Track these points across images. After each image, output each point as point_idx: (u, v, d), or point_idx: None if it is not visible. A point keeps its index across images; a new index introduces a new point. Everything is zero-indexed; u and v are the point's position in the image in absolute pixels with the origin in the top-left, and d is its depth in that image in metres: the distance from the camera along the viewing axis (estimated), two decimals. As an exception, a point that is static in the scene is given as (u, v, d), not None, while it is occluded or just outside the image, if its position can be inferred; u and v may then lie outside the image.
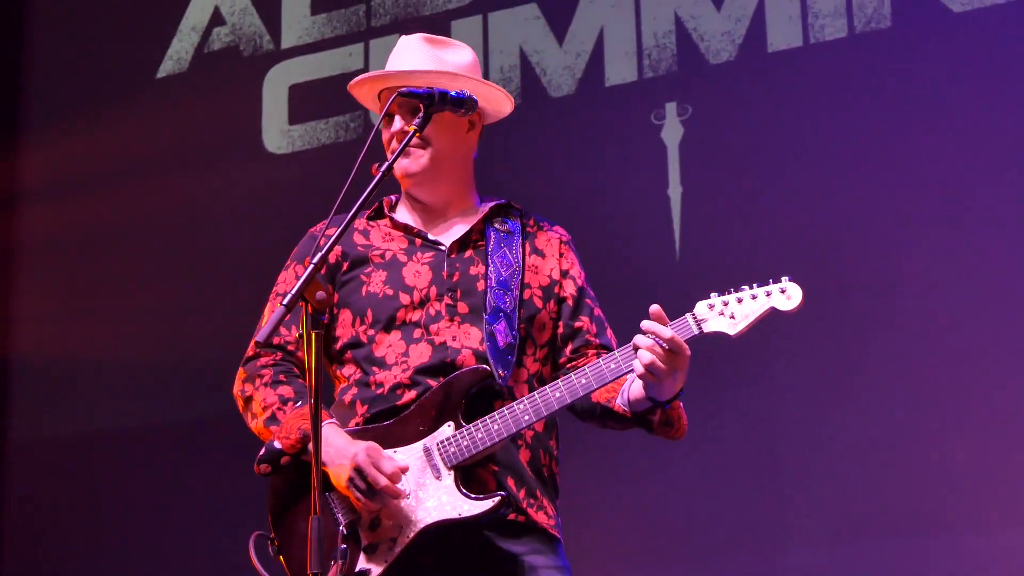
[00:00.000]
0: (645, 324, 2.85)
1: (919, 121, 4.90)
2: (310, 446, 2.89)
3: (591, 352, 3.10)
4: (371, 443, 2.92)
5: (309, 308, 2.64)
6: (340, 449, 2.92)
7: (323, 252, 2.72)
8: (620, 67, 5.44)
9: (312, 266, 2.67)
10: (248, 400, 3.11)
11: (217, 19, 6.33)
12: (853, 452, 4.76)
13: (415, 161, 3.12)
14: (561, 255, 3.18)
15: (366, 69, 5.94)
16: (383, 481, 2.86)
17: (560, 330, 3.13)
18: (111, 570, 5.99)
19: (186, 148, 6.24)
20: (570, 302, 3.14)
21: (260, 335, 2.73)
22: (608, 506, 5.01)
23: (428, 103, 2.97)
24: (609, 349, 3.09)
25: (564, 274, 3.16)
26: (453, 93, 2.99)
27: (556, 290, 3.14)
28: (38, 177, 6.55)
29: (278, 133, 6.09)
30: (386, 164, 2.91)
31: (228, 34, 6.30)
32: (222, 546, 5.79)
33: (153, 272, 6.19)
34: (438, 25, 5.65)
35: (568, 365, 3.10)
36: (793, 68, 5.14)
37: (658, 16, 5.41)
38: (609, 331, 3.18)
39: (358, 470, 2.86)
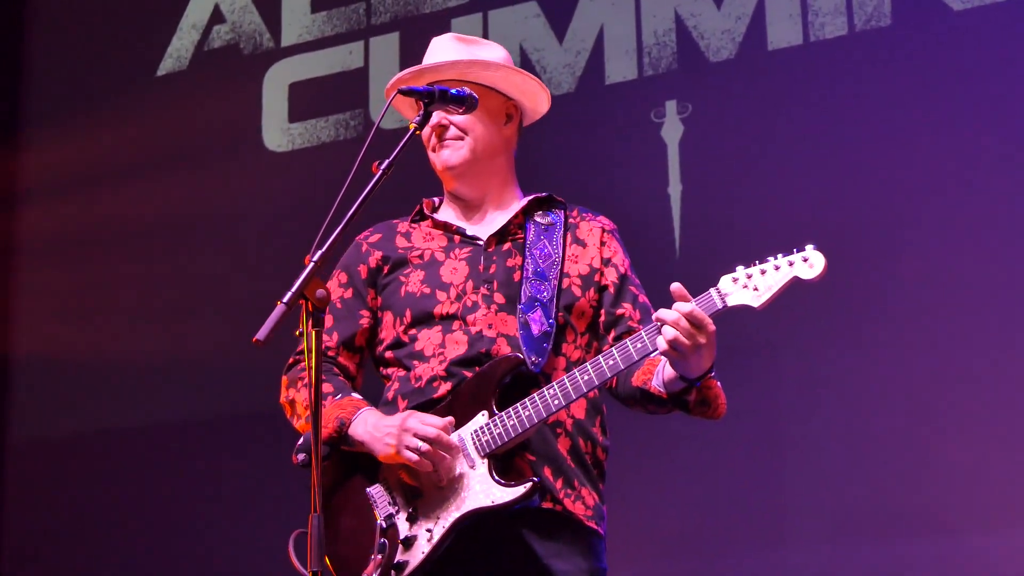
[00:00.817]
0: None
1: (919, 119, 4.89)
2: (350, 431, 2.98)
3: None
4: (413, 411, 2.95)
5: (309, 306, 2.65)
6: (377, 423, 2.95)
7: (323, 251, 2.72)
8: (620, 65, 5.44)
9: (312, 264, 2.68)
10: (292, 404, 3.14)
11: (217, 17, 6.33)
12: (854, 452, 4.75)
13: (455, 152, 3.16)
14: (603, 243, 3.17)
15: (366, 67, 5.94)
16: (433, 431, 2.89)
17: (602, 318, 3.12)
18: (110, 570, 5.99)
19: (186, 146, 6.24)
20: (611, 290, 3.13)
21: (259, 334, 2.70)
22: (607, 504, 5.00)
23: (428, 101, 2.98)
24: None
25: (606, 262, 3.15)
26: (453, 91, 2.99)
27: (596, 278, 3.13)
28: (38, 176, 6.55)
29: (278, 131, 6.09)
30: (387, 161, 2.91)
31: (228, 32, 6.30)
32: (221, 545, 5.80)
33: (153, 271, 6.19)
34: (438, 23, 5.64)
35: None
36: (793, 66, 5.13)
37: (658, 14, 5.40)
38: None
39: (405, 430, 2.90)
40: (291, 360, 3.19)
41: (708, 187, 5.18)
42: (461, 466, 2.93)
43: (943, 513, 4.62)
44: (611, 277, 3.14)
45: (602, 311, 3.12)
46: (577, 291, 3.10)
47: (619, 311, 3.12)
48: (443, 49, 3.23)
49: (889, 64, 4.98)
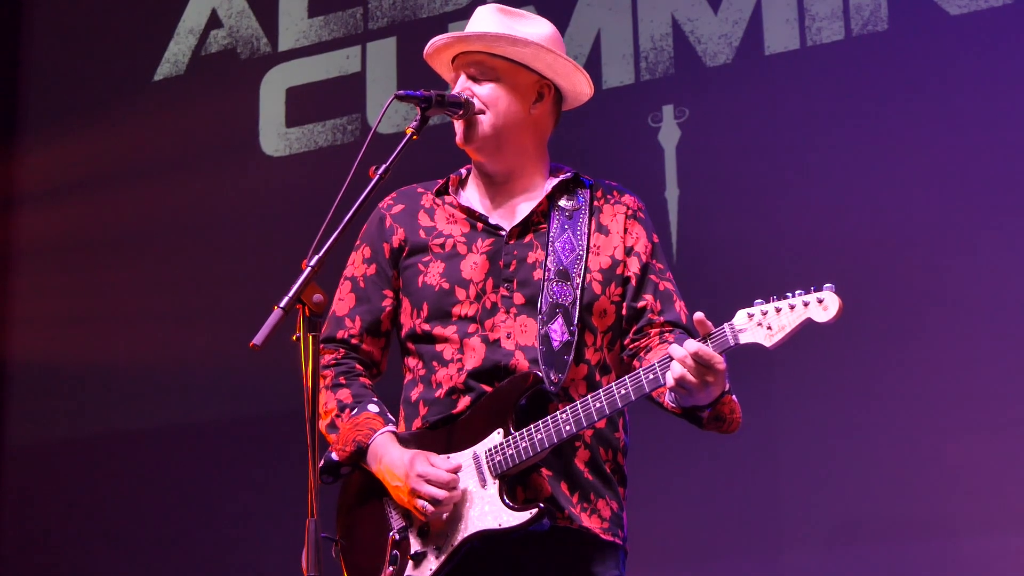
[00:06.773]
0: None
1: (916, 124, 4.90)
2: (367, 458, 2.98)
3: (654, 332, 3.03)
4: (419, 453, 2.94)
5: (306, 311, 2.65)
6: (392, 464, 2.94)
7: (320, 255, 2.73)
8: (617, 70, 5.44)
9: (309, 269, 2.69)
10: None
11: (214, 22, 6.33)
12: (851, 455, 4.75)
13: (473, 127, 3.07)
14: (626, 230, 3.11)
15: (363, 72, 5.94)
16: (443, 494, 2.88)
17: (624, 312, 3.06)
18: (108, 573, 5.99)
19: (183, 151, 6.24)
20: (633, 282, 3.06)
21: (256, 338, 2.65)
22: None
23: (425, 106, 2.99)
24: (675, 325, 3.04)
25: (628, 251, 3.09)
26: (450, 96, 3.02)
27: (619, 271, 3.07)
28: (35, 180, 6.55)
29: (275, 136, 6.09)
30: (383, 166, 2.92)
31: (225, 37, 6.30)
32: (220, 549, 5.80)
33: (150, 275, 6.19)
34: (435, 27, 5.64)
35: (631, 346, 3.05)
36: (790, 71, 5.14)
37: (655, 19, 5.41)
38: (678, 304, 3.09)
39: (414, 493, 2.89)
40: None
41: (705, 192, 5.18)
42: (473, 484, 2.91)
43: (941, 518, 4.62)
44: (633, 268, 3.07)
45: (624, 305, 3.06)
46: (597, 288, 3.03)
47: (640, 304, 3.06)
48: (481, 20, 3.13)
49: (886, 69, 4.98)
